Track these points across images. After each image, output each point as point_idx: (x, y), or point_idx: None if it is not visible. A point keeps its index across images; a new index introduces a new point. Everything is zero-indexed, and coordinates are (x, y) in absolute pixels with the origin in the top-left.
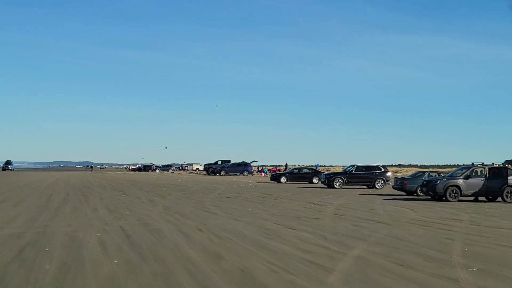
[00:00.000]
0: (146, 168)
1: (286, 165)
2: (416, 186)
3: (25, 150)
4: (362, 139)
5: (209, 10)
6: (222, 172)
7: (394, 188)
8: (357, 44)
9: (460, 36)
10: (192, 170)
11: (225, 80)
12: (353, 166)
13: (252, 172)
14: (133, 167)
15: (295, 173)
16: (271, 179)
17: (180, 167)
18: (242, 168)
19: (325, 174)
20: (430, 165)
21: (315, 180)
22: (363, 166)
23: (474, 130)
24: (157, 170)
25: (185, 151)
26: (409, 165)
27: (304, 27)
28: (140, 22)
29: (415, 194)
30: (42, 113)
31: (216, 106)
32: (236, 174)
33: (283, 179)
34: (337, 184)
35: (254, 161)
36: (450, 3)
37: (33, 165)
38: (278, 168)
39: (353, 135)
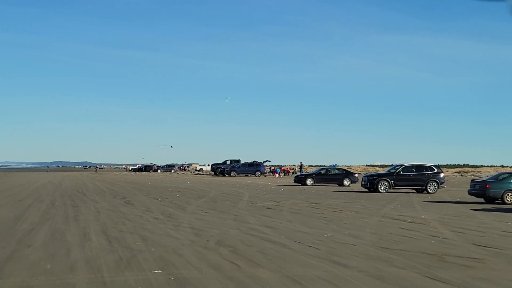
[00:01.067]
0: (147, 168)
1: (301, 165)
2: (503, 191)
3: (24, 151)
4: (359, 139)
5: (207, 10)
6: (232, 173)
7: (470, 193)
8: (355, 44)
9: (459, 36)
10: (196, 170)
11: (223, 79)
12: (400, 166)
13: (265, 173)
14: (132, 167)
15: (323, 174)
16: (295, 181)
17: (181, 167)
18: (254, 168)
19: (368, 176)
20: None
21: (346, 182)
22: (412, 166)
23: (472, 130)
24: (159, 171)
25: (183, 151)
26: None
27: (302, 27)
28: (139, 22)
29: (499, 201)
30: (42, 113)
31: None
32: (247, 175)
33: (309, 181)
34: (382, 188)
35: (267, 160)
36: (449, 3)
37: (31, 165)
38: (286, 168)
39: (350, 134)
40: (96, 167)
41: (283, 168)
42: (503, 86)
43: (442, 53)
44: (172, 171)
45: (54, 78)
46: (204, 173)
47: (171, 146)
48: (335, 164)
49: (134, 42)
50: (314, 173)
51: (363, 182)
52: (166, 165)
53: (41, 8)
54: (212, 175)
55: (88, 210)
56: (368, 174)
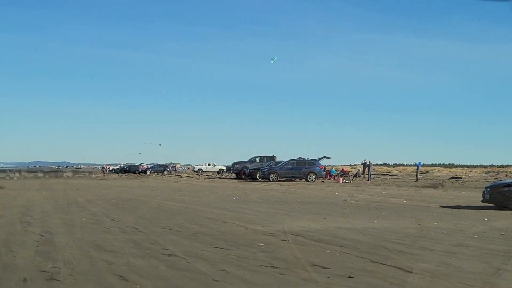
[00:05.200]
0: (131, 169)
1: (368, 164)
2: None
3: (4, 150)
4: (341, 138)
5: (187, 10)
6: (273, 176)
7: None
8: (335, 43)
9: (440, 35)
10: (194, 171)
11: (203, 79)
12: None
13: (322, 176)
14: (113, 167)
15: None
16: (488, 201)
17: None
18: (306, 169)
19: None
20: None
21: None
22: None
23: (453, 129)
24: (148, 172)
25: (159, 150)
26: (394, 164)
27: (281, 26)
28: (121, 21)
29: None
30: (22, 112)
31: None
32: (290, 179)
33: None
34: None
35: (324, 157)
36: (429, 3)
37: (9, 165)
38: (343, 169)
39: (331, 134)
40: (103, 168)
41: (344, 169)
42: (481, 85)
43: (421, 53)
44: (165, 172)
45: (36, 77)
46: (216, 176)
47: (160, 144)
48: (419, 163)
49: (112, 42)
50: None
51: None
52: (158, 165)
53: (26, 6)
54: (234, 178)
55: None
56: None
